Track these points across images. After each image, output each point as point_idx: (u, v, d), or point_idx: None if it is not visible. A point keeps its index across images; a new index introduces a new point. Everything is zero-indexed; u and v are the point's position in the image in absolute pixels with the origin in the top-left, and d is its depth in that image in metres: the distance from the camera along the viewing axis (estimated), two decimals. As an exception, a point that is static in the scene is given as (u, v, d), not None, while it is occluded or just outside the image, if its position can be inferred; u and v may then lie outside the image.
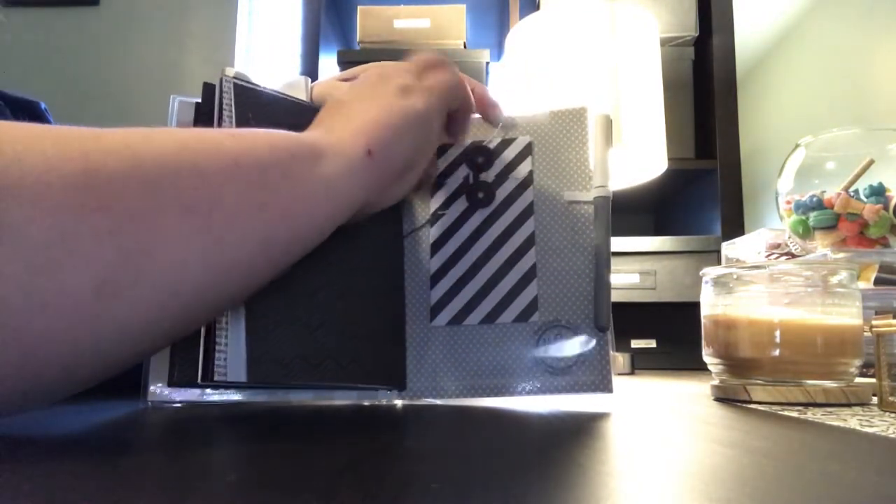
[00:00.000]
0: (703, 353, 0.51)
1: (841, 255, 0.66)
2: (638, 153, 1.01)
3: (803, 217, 0.72)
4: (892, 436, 0.29)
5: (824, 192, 0.71)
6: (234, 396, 0.42)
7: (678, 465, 0.22)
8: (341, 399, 0.44)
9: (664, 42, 1.34)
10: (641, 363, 1.21)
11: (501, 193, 0.45)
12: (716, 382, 0.49)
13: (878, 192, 0.68)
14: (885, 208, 0.67)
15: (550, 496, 0.17)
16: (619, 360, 0.99)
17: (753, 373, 0.46)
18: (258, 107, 0.38)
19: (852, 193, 0.69)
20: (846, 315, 0.46)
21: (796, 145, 0.78)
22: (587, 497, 0.17)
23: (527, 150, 0.45)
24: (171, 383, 0.33)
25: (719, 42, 1.34)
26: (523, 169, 0.45)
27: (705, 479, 0.19)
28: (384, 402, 0.43)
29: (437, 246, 0.45)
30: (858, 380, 0.47)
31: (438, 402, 0.42)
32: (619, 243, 1.25)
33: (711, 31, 1.35)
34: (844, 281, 0.47)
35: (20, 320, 0.22)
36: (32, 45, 1.76)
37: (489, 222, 0.44)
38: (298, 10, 1.51)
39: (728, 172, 1.30)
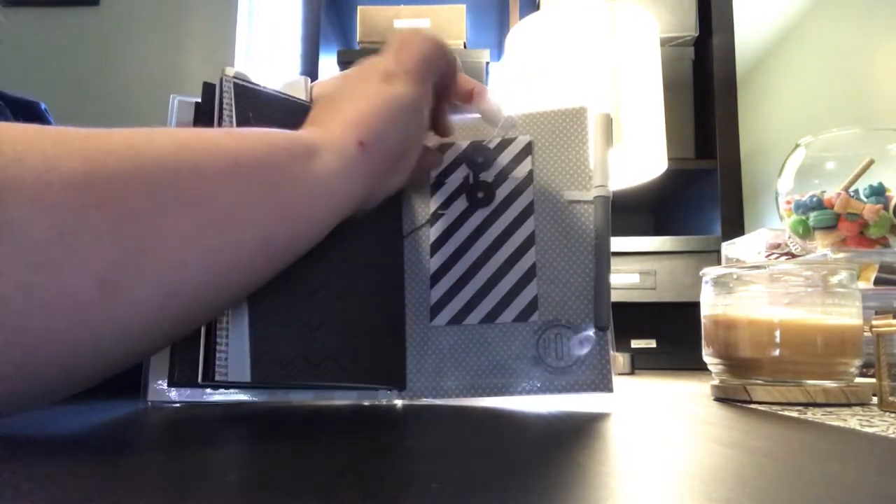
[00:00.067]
0: (703, 353, 0.51)
1: (841, 255, 0.66)
2: (638, 153, 1.01)
3: (803, 217, 0.72)
4: (892, 436, 0.29)
5: (824, 192, 0.71)
6: (234, 396, 0.42)
7: (678, 465, 0.22)
8: (341, 399, 0.44)
9: (664, 42, 1.34)
10: (641, 363, 1.21)
11: (501, 193, 0.45)
12: (716, 382, 0.49)
13: (878, 192, 0.68)
14: (885, 208, 0.67)
15: (550, 496, 0.17)
16: (619, 360, 0.99)
17: (753, 373, 0.46)
18: (258, 106, 0.38)
19: (852, 193, 0.69)
20: (846, 315, 0.46)
21: (796, 145, 0.78)
22: (587, 497, 0.17)
23: (527, 150, 0.45)
24: (172, 383, 0.33)
25: (719, 42, 1.34)
26: (523, 169, 0.45)
27: (705, 479, 0.19)
28: (384, 402, 0.43)
29: (437, 246, 0.45)
30: (858, 380, 0.47)
31: (438, 402, 0.42)
32: (619, 243, 1.25)
33: (711, 31, 1.35)
34: (844, 281, 0.47)
35: (20, 319, 0.22)
36: (32, 45, 1.76)
37: (489, 222, 0.44)
38: (298, 10, 1.51)
39: (728, 172, 1.30)
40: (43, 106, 0.59)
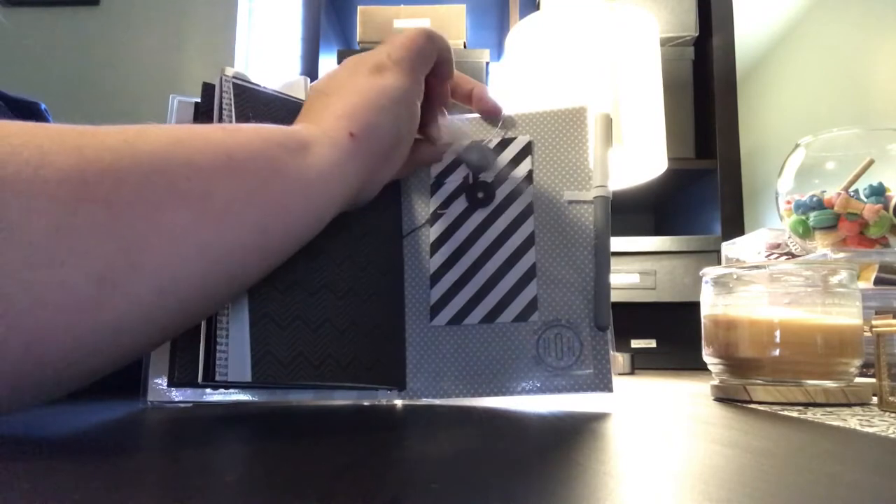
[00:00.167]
0: (703, 353, 0.51)
1: (841, 255, 0.66)
2: (638, 153, 1.01)
3: (803, 217, 0.72)
4: (892, 436, 0.29)
5: (824, 192, 0.71)
6: (234, 396, 0.42)
7: (678, 465, 0.22)
8: (341, 399, 0.44)
9: (664, 42, 1.34)
10: (641, 363, 1.21)
11: (501, 193, 0.45)
12: (716, 382, 0.49)
13: (878, 192, 0.68)
14: (885, 208, 0.67)
15: (550, 496, 0.17)
16: (619, 360, 0.99)
17: (753, 373, 0.46)
18: (257, 107, 0.38)
19: (852, 193, 0.70)
20: (846, 315, 0.46)
21: (796, 145, 0.78)
22: (587, 497, 0.17)
23: (526, 150, 0.45)
24: (172, 383, 0.33)
25: (719, 42, 1.34)
26: (523, 168, 0.45)
27: (705, 479, 0.19)
28: (384, 402, 0.43)
29: (436, 246, 0.45)
30: (858, 380, 0.47)
31: (438, 402, 0.42)
32: (619, 243, 1.25)
33: (711, 31, 1.35)
34: (844, 281, 0.47)
35: (20, 315, 0.22)
36: (32, 45, 1.76)
37: (489, 222, 0.44)
38: (298, 10, 1.51)
39: (728, 172, 1.30)
40: (43, 106, 0.59)
